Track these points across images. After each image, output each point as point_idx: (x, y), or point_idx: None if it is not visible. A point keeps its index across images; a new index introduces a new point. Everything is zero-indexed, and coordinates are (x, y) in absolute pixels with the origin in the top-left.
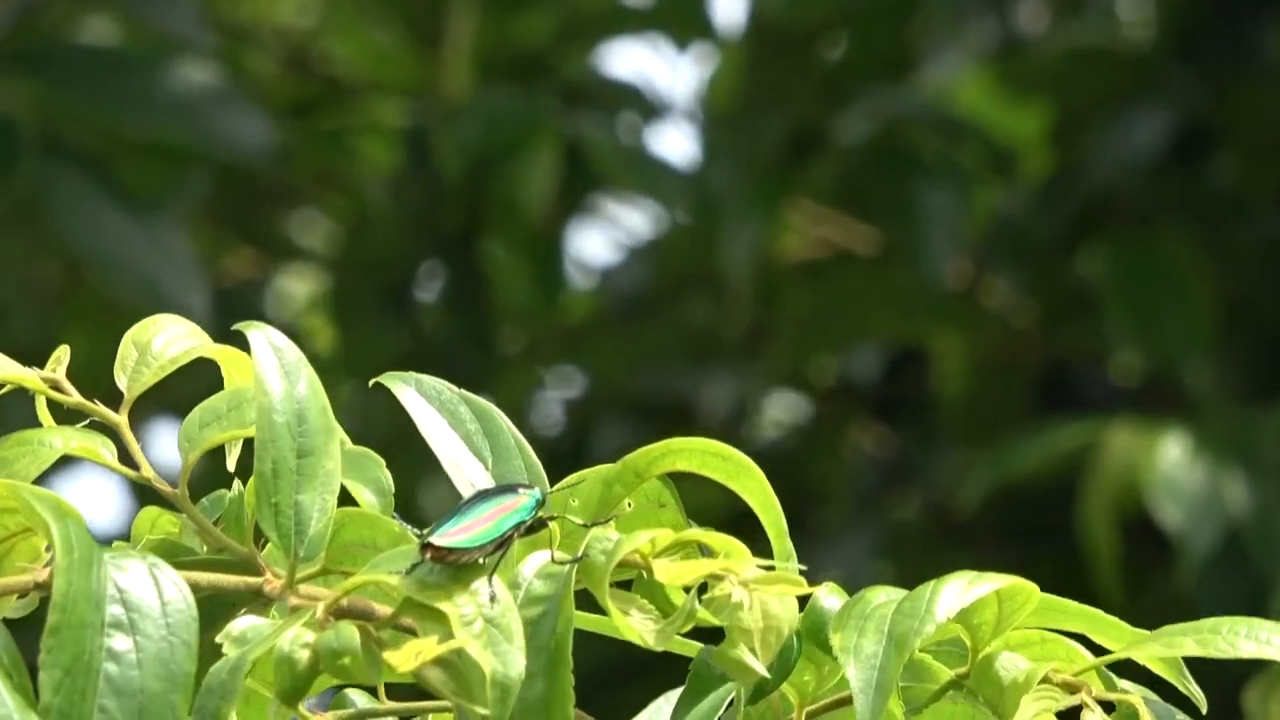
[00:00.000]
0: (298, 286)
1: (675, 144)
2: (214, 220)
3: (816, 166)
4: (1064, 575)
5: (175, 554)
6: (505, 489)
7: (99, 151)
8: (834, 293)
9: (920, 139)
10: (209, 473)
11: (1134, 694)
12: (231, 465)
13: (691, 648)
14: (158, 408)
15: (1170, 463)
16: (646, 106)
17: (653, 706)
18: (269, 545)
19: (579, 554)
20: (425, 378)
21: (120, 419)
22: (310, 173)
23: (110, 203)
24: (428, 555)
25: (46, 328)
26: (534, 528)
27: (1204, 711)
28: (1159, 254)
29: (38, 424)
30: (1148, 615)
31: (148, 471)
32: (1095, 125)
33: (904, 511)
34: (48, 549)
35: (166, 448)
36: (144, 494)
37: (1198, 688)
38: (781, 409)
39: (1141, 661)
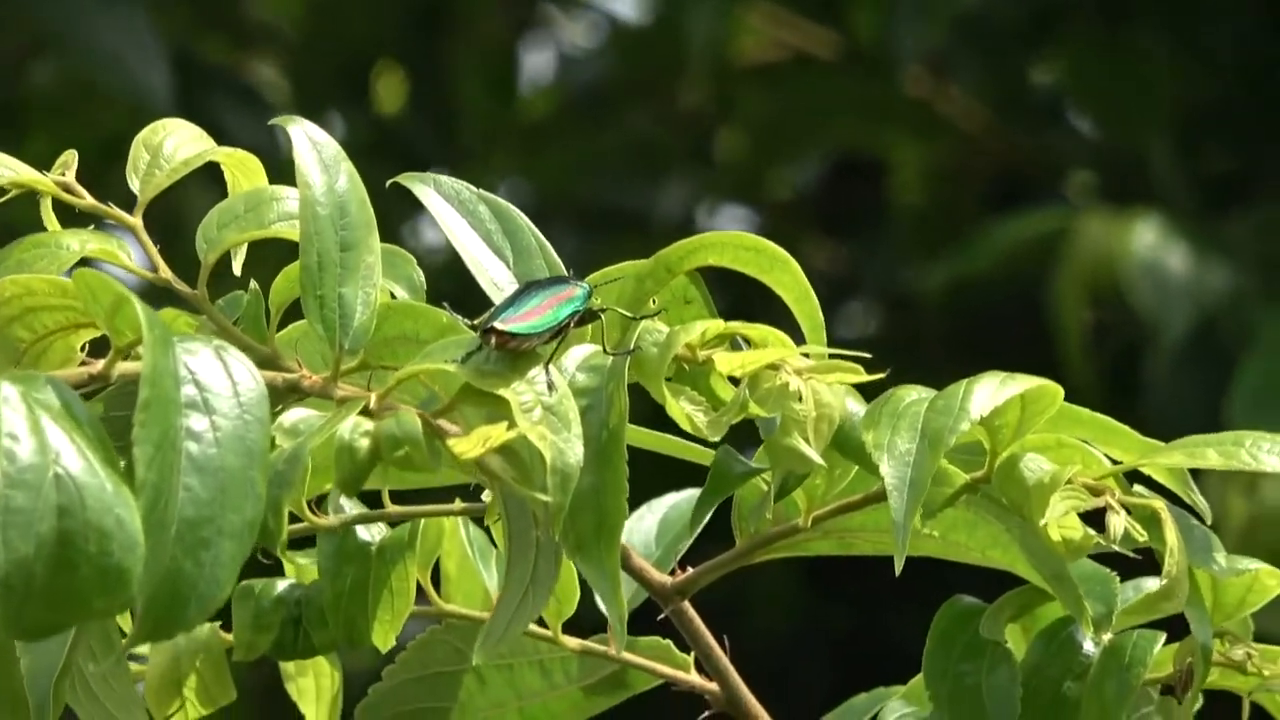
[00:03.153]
0: (262, 70)
1: None
2: (180, 4)
3: None
4: None
5: None
6: (557, 280)
7: None
8: (791, 97)
9: None
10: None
11: (1153, 500)
12: (238, 269)
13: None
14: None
15: (1146, 246)
16: None
17: (635, 516)
18: (300, 342)
19: (631, 347)
20: (443, 178)
21: (135, 221)
22: None
23: None
24: (491, 341)
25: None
26: (585, 319)
27: (1209, 522)
28: (1122, 49)
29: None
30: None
31: (166, 273)
32: None
33: (857, 328)
34: (82, 348)
35: None
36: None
37: (1202, 499)
38: (732, 223)
39: (1148, 472)
